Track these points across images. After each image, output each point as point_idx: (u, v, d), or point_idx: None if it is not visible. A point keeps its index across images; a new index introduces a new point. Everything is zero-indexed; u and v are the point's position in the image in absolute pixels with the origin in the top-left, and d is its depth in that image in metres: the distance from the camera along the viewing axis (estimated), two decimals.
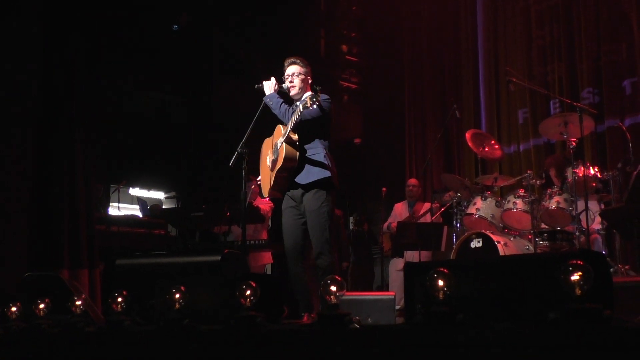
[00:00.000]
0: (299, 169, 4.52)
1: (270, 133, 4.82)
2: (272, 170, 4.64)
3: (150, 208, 8.41)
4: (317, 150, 4.56)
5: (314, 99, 4.16)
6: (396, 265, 7.85)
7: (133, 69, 9.09)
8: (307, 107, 4.21)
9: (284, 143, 4.47)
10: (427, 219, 7.79)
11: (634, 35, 7.67)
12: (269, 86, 4.77)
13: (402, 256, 7.55)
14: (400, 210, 8.18)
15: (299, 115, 4.34)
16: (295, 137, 4.50)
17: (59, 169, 5.83)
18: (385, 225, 8.18)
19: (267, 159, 4.78)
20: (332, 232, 4.56)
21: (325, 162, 4.52)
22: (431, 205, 7.59)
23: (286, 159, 4.46)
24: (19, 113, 5.76)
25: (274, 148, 4.65)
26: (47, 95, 5.85)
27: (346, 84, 10.90)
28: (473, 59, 9.83)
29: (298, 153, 4.49)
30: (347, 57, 11.03)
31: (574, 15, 8.38)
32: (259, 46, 9.85)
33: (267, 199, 7.37)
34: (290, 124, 4.42)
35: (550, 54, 8.68)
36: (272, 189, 4.65)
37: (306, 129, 4.52)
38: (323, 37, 10.80)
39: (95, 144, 6.35)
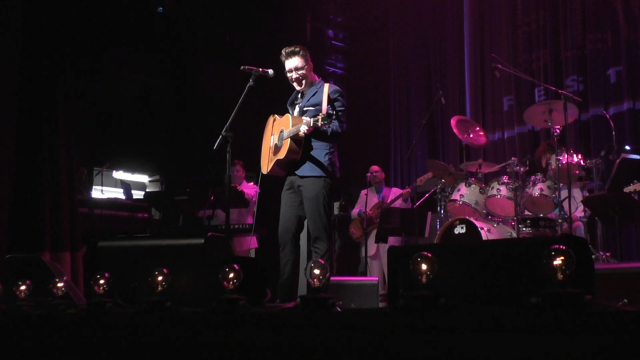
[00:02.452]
0: (301, 162, 4.55)
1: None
2: (274, 154, 4.68)
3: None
4: (321, 145, 4.57)
5: (326, 121, 4.14)
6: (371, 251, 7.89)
7: (117, 52, 9.00)
8: (318, 126, 4.19)
9: (289, 138, 4.48)
10: (397, 204, 7.80)
11: (620, 24, 7.69)
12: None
13: (386, 242, 7.55)
14: (366, 197, 8.12)
15: (312, 124, 4.23)
16: (301, 133, 4.46)
17: (41, 151, 5.78)
18: (355, 211, 8.17)
19: (271, 138, 4.80)
20: (329, 219, 4.56)
21: (326, 161, 4.55)
22: (410, 190, 7.61)
23: (290, 151, 4.50)
24: (0, 97, 5.68)
25: (280, 135, 4.65)
26: (29, 78, 5.78)
27: (332, 69, 10.86)
28: (459, 45, 9.84)
29: (301, 150, 4.52)
30: (332, 42, 10.99)
31: (559, 3, 8.39)
32: (245, 29, 9.77)
33: (252, 183, 7.34)
34: (305, 127, 4.31)
35: (535, 41, 8.69)
36: (272, 169, 4.71)
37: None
38: (309, 21, 10.73)
39: (79, 126, 6.29)
